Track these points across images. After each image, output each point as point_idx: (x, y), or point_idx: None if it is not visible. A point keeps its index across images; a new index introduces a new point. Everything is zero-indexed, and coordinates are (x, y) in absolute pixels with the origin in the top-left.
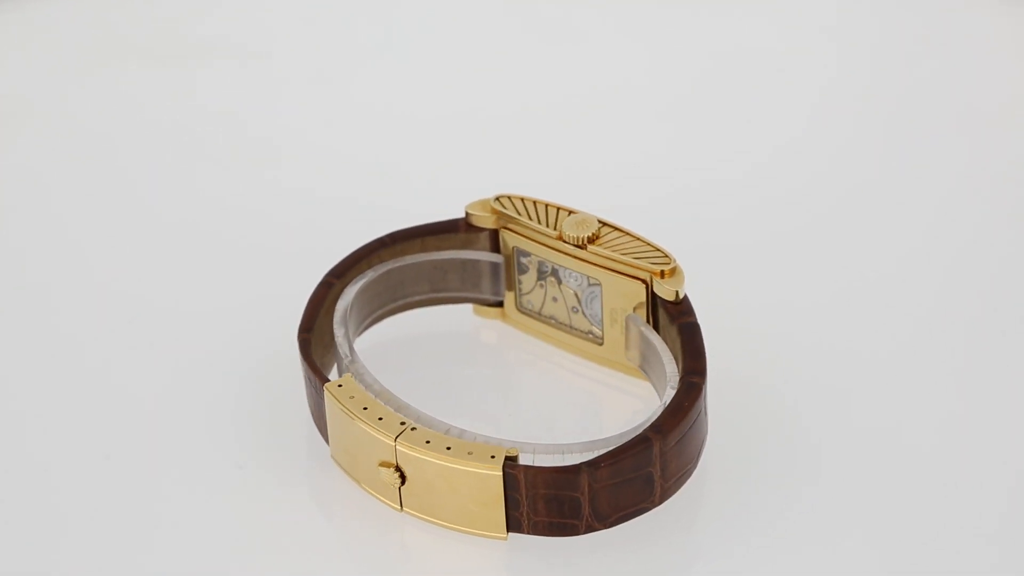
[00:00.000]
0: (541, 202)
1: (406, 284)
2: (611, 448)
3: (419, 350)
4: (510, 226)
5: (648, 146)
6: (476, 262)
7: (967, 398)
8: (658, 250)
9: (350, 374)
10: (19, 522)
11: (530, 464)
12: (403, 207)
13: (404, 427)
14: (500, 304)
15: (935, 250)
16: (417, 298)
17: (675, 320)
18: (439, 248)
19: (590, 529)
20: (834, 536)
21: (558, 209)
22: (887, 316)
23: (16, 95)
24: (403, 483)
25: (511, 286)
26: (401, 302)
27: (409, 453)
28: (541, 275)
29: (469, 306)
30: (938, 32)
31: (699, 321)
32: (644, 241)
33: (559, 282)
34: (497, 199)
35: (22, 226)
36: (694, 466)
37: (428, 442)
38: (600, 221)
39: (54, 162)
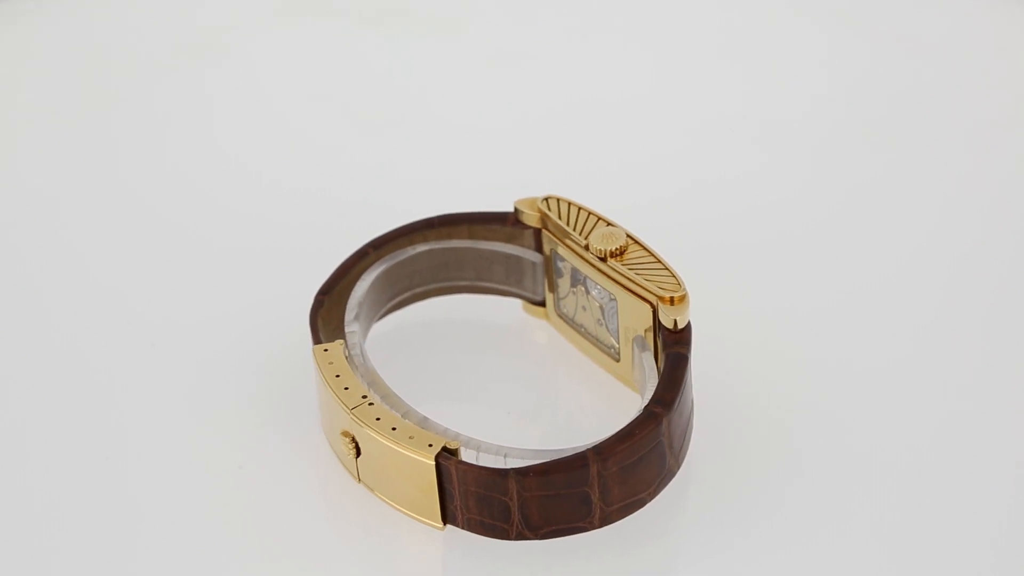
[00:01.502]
0: (585, 209)
1: (450, 267)
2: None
3: (460, 335)
4: (550, 228)
5: (658, 146)
6: (519, 259)
7: (958, 402)
8: (672, 276)
9: (342, 341)
10: (18, 521)
11: (470, 461)
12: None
13: (364, 401)
14: (543, 304)
15: (930, 253)
16: (462, 283)
17: (667, 348)
18: (485, 238)
19: (521, 536)
20: (817, 539)
21: (598, 219)
22: (878, 322)
23: (18, 95)
24: (358, 456)
25: (551, 288)
26: (445, 284)
27: (359, 426)
28: (574, 282)
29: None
30: (939, 32)
31: (693, 350)
32: (663, 264)
33: (587, 292)
34: (545, 199)
35: (22, 228)
36: (650, 496)
37: (378, 419)
38: (629, 237)
39: (57, 165)
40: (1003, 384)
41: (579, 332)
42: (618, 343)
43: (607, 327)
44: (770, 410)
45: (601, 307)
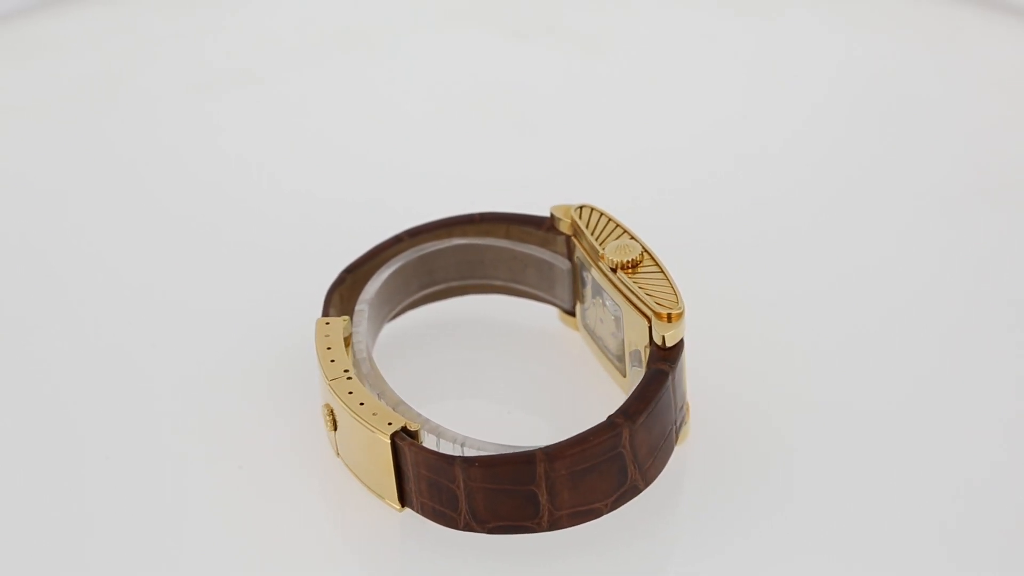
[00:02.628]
0: (615, 221)
1: (486, 265)
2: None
3: (488, 334)
4: (577, 236)
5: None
6: (551, 265)
7: (959, 403)
8: (673, 293)
9: (347, 318)
10: (18, 521)
11: (430, 446)
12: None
13: (343, 375)
14: (574, 313)
15: (927, 252)
16: (497, 283)
17: (651, 363)
18: (521, 240)
19: (468, 528)
20: (814, 541)
21: (623, 232)
22: (877, 321)
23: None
24: (336, 430)
25: (579, 298)
26: (481, 281)
27: (332, 397)
28: (595, 293)
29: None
30: (932, 38)
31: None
32: (669, 281)
33: (603, 303)
34: (579, 207)
35: (31, 222)
36: (606, 508)
37: (350, 393)
38: (646, 252)
39: (68, 162)
40: (1004, 381)
41: (597, 344)
42: (624, 357)
43: (620, 340)
44: (768, 411)
45: (615, 319)
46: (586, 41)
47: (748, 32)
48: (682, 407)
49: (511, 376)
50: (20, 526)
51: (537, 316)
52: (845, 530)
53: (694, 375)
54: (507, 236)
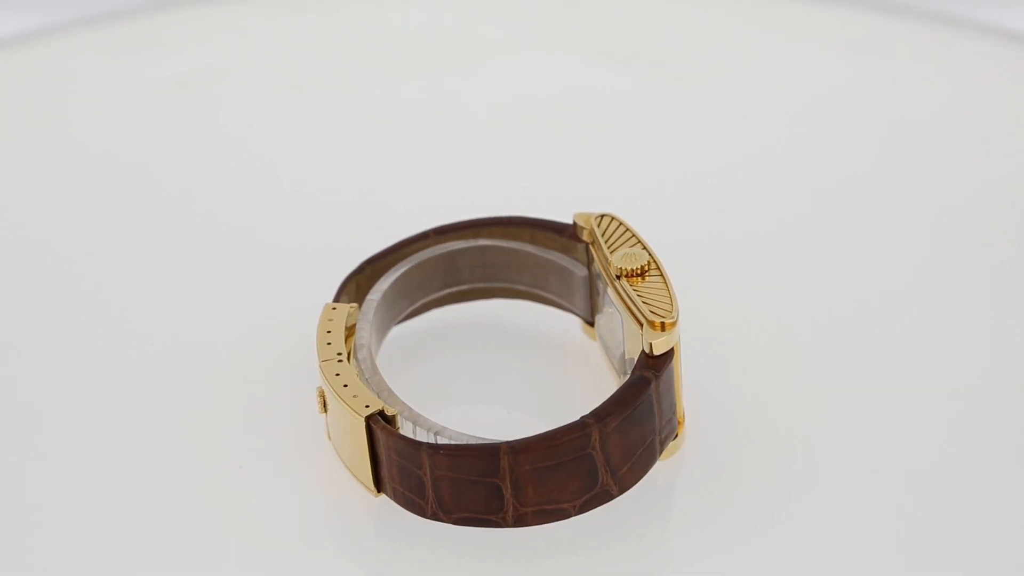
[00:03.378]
0: (632, 231)
1: (511, 269)
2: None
3: (506, 338)
4: (594, 245)
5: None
6: (570, 272)
7: (959, 405)
8: (669, 303)
9: (356, 305)
10: (18, 521)
11: (406, 433)
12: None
13: (336, 357)
14: (593, 324)
15: (923, 251)
16: (521, 287)
17: (638, 370)
18: (545, 245)
19: (435, 517)
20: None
21: (637, 242)
22: (876, 320)
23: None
24: (326, 412)
25: (595, 307)
26: (505, 285)
27: (321, 378)
28: (607, 302)
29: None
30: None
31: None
32: (669, 292)
33: (612, 312)
34: (601, 216)
35: (39, 213)
36: (574, 510)
37: (337, 375)
38: (652, 261)
39: (79, 155)
40: (1006, 382)
41: (607, 354)
42: (623, 367)
43: (621, 349)
44: (765, 412)
45: (623, 328)
46: (673, 68)
47: (836, 68)
48: (671, 420)
49: (522, 382)
50: (20, 525)
51: (558, 324)
52: (848, 542)
53: (696, 381)
54: (532, 241)
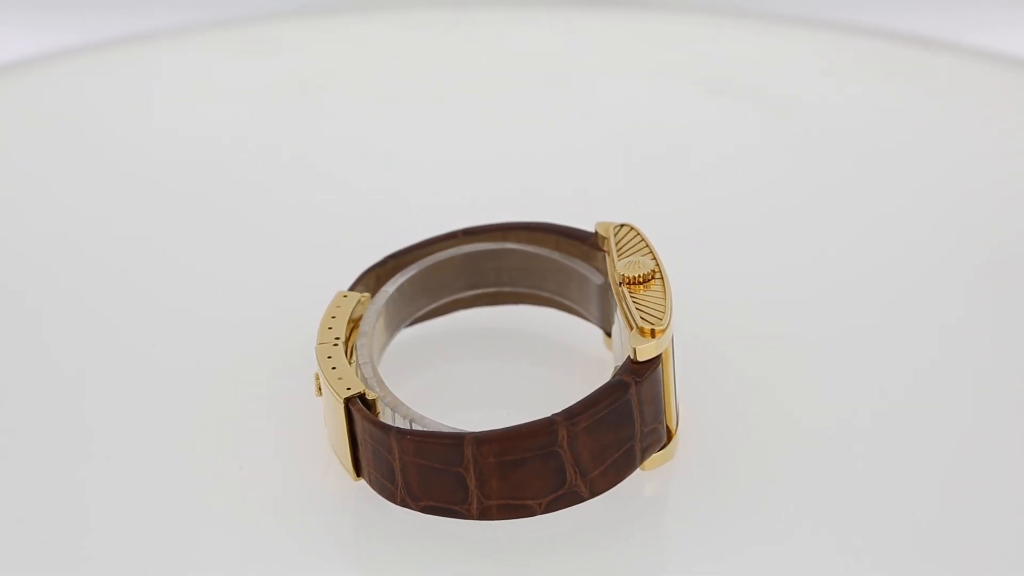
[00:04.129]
0: (646, 242)
1: (536, 274)
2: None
3: (527, 345)
4: (609, 253)
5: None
6: (588, 280)
7: (960, 408)
8: (662, 311)
9: (368, 295)
10: (18, 521)
11: (385, 419)
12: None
13: (331, 341)
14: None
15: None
16: (545, 294)
17: (620, 374)
18: (569, 252)
19: (404, 503)
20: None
21: (650, 251)
22: (874, 320)
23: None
24: (321, 396)
25: (612, 317)
26: (531, 291)
27: (315, 361)
28: (617, 311)
29: None
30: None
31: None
32: (666, 301)
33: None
34: (620, 226)
35: (51, 211)
36: (540, 508)
37: (329, 357)
38: (656, 271)
39: (97, 157)
40: (1003, 381)
41: (616, 363)
42: None
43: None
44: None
45: (621, 335)
46: (766, 101)
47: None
48: (655, 429)
49: (536, 389)
50: (20, 526)
51: (581, 333)
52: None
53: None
54: (556, 248)
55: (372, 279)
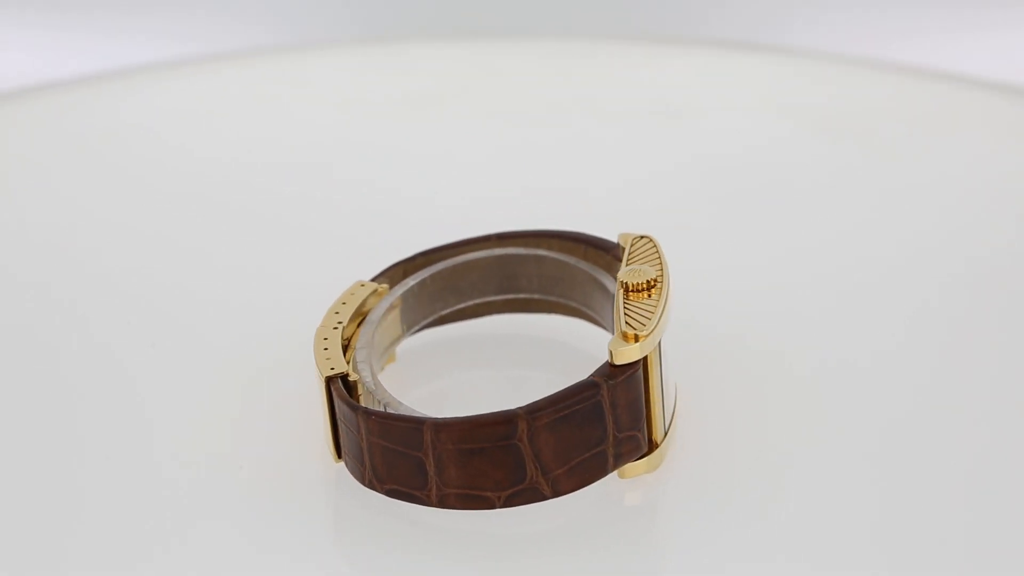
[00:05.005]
0: (659, 254)
1: (564, 283)
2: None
3: (554, 352)
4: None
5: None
6: (608, 290)
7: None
8: (647, 318)
9: (386, 285)
10: (17, 521)
11: (365, 403)
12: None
13: (334, 325)
14: None
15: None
16: (573, 304)
17: (593, 375)
18: (595, 263)
19: (371, 485)
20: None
21: (660, 263)
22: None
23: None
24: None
25: None
26: (560, 300)
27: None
28: None
29: None
30: None
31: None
32: (658, 310)
33: None
34: (640, 237)
35: (64, 206)
36: (499, 501)
37: (325, 339)
38: (656, 281)
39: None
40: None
41: None
42: None
43: None
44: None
45: None
46: (875, 145)
47: None
48: (633, 436)
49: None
50: (19, 524)
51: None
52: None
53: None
54: (584, 257)
55: (399, 272)
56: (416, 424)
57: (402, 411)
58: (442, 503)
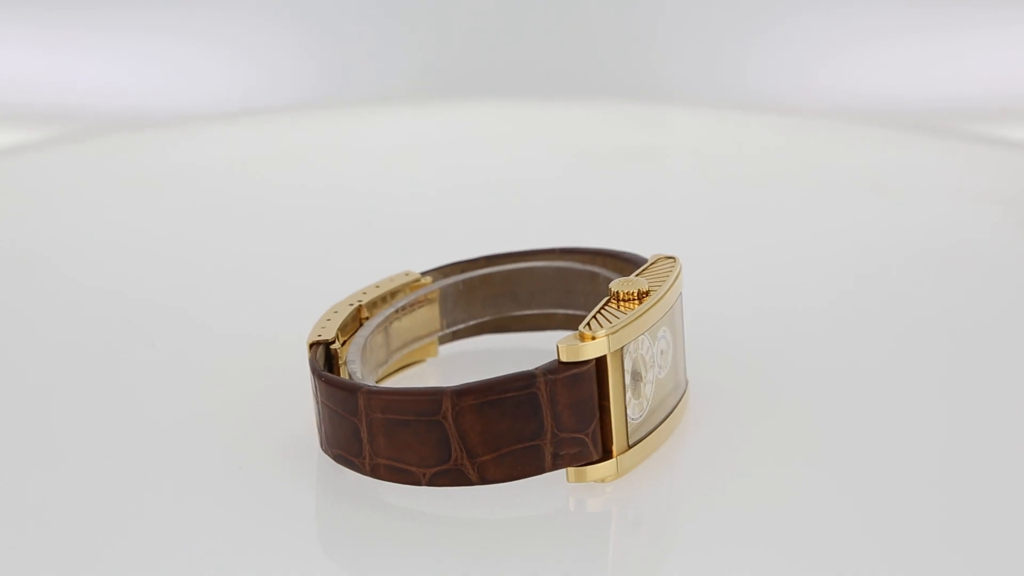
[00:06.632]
0: (672, 272)
1: (600, 299)
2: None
3: None
4: None
5: None
6: None
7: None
8: (609, 322)
9: (430, 278)
10: (17, 521)
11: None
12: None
13: (353, 300)
14: None
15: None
16: None
17: (536, 367)
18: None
19: (324, 449)
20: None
21: (664, 280)
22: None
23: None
24: None
25: None
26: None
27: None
28: None
29: None
30: None
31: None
32: (626, 318)
33: None
34: (667, 258)
35: (65, 209)
36: (424, 477)
37: (336, 312)
38: (647, 294)
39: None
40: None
41: None
42: None
43: None
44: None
45: None
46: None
47: None
48: (579, 439)
49: None
50: (19, 526)
51: None
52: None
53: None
54: (618, 271)
55: (456, 270)
56: (352, 389)
57: (365, 374)
58: (374, 472)
